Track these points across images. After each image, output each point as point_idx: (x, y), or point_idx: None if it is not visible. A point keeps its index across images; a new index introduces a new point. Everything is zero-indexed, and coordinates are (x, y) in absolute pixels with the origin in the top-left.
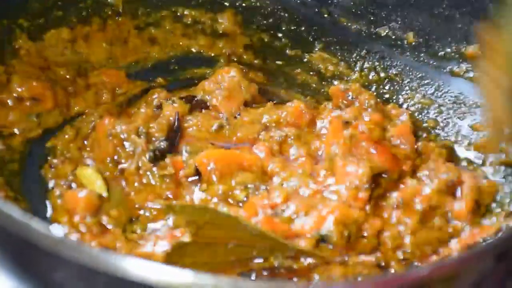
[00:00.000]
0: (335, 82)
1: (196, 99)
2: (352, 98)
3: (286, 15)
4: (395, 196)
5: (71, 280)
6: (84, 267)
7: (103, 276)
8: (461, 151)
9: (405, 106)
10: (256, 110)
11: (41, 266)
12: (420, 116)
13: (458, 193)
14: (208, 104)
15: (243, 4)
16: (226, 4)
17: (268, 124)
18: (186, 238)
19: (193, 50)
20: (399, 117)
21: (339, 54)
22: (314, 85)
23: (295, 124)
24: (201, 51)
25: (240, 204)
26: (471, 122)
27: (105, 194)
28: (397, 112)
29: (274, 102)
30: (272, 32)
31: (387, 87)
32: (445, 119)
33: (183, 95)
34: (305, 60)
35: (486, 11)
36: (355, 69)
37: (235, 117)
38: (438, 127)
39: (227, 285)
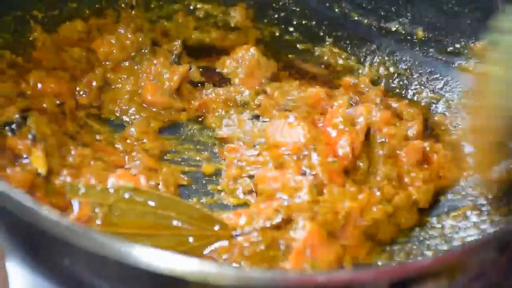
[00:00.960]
0: (345, 76)
1: (217, 70)
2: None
3: (297, 9)
4: None
5: (80, 266)
6: (93, 254)
7: (111, 262)
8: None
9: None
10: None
11: (51, 253)
12: (428, 110)
13: None
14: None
15: None
16: None
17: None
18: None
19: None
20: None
21: (349, 48)
22: (324, 79)
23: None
24: (213, 44)
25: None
26: None
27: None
28: (406, 110)
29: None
30: (283, 26)
31: (396, 82)
32: (453, 113)
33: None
34: (316, 54)
35: (494, 7)
36: (365, 64)
37: (264, 92)
38: (446, 122)
39: (231, 273)
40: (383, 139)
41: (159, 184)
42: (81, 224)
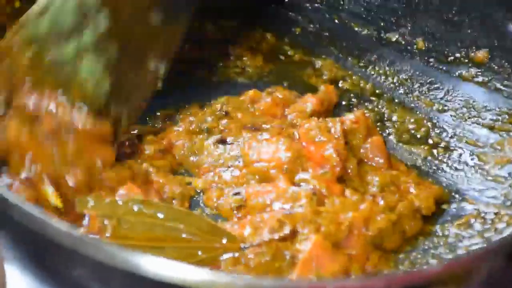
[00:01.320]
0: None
1: None
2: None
3: (299, 18)
4: None
5: (89, 276)
6: (102, 264)
7: (120, 273)
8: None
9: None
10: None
11: (59, 263)
12: (430, 120)
13: None
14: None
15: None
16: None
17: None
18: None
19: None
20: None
21: (349, 59)
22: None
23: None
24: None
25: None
26: (480, 125)
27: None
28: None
29: None
30: (282, 36)
31: (397, 92)
32: (454, 122)
33: None
34: (315, 64)
35: (494, 17)
36: (366, 74)
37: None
38: (448, 131)
39: (241, 283)
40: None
41: (168, 196)
42: (91, 235)
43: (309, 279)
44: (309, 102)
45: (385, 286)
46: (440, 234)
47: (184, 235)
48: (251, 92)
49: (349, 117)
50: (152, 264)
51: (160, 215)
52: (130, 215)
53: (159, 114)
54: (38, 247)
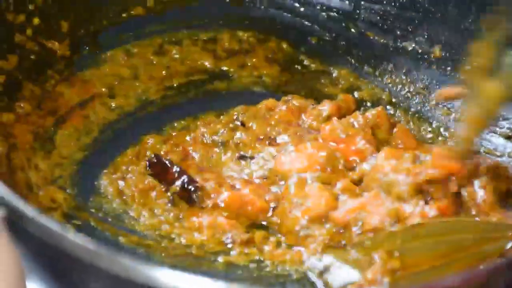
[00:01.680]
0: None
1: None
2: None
3: (315, 27)
4: None
5: None
6: (118, 277)
7: (136, 286)
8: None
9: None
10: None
11: (77, 277)
12: (447, 129)
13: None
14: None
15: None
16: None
17: None
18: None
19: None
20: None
21: (366, 67)
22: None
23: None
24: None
25: None
26: (497, 134)
27: None
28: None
29: None
30: (299, 45)
31: (414, 101)
32: None
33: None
34: (331, 73)
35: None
36: (383, 83)
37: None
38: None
39: None
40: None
41: None
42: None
43: None
44: (326, 107)
45: None
46: None
47: (465, 242)
48: (267, 101)
49: (371, 112)
50: (168, 277)
51: (436, 231)
52: (409, 242)
53: (176, 124)
54: (56, 260)
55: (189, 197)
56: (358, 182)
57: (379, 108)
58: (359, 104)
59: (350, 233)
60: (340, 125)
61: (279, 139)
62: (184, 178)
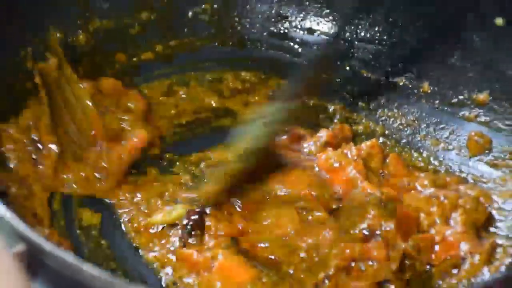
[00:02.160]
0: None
1: None
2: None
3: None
4: None
5: None
6: None
7: None
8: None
9: (422, 150)
10: None
11: None
12: (436, 158)
13: None
14: None
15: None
16: None
17: None
18: None
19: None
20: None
21: (360, 102)
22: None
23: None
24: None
25: None
26: (484, 162)
27: None
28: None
29: None
30: None
31: (405, 132)
32: (460, 160)
33: None
34: (328, 108)
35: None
36: (376, 116)
37: None
38: (454, 168)
39: None
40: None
41: None
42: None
43: None
44: (323, 134)
45: None
46: None
47: None
48: None
49: (365, 143)
50: None
51: None
52: None
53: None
54: None
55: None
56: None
57: (373, 140)
58: (354, 137)
59: None
60: (334, 155)
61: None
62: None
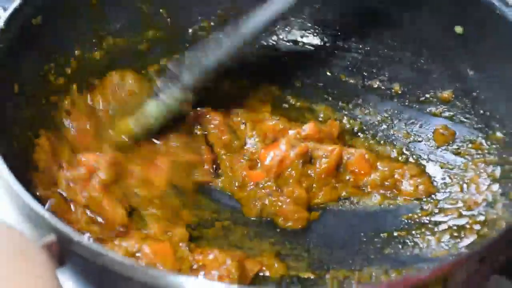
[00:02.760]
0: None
1: None
2: None
3: (298, 73)
4: None
5: None
6: (151, 286)
7: None
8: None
9: (395, 142)
10: None
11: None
12: (408, 149)
13: None
14: None
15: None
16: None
17: None
18: None
19: None
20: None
21: (340, 103)
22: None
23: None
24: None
25: None
26: (449, 151)
27: None
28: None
29: None
30: (286, 88)
31: (380, 127)
32: (428, 150)
33: None
34: (312, 108)
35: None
36: (355, 115)
37: None
38: (424, 157)
39: None
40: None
41: None
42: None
43: None
44: (306, 128)
45: None
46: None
47: None
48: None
49: (353, 155)
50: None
51: None
52: None
53: None
54: (99, 275)
55: None
56: None
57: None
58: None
59: None
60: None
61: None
62: None
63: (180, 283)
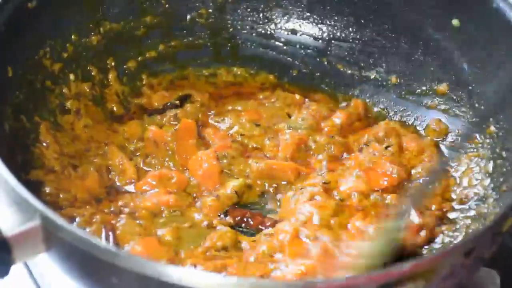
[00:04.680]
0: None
1: None
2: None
3: (296, 62)
4: None
5: (126, 283)
6: (136, 273)
7: (149, 280)
8: None
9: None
10: None
11: (102, 273)
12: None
13: None
14: None
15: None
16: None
17: None
18: None
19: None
20: None
21: (336, 93)
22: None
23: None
24: None
25: None
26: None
27: None
28: None
29: None
30: (283, 77)
31: (376, 119)
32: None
33: None
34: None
35: (451, 57)
36: (350, 105)
37: None
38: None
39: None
40: None
41: None
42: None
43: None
44: (338, 118)
45: (367, 283)
46: None
47: None
48: None
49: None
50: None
51: None
52: None
53: None
54: (83, 260)
55: None
56: None
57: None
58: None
59: None
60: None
61: None
62: None
63: (165, 270)
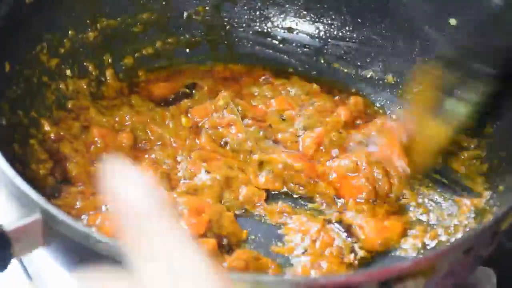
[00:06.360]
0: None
1: None
2: None
3: (292, 60)
4: None
5: None
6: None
7: None
8: None
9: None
10: None
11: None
12: None
13: None
14: None
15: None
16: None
17: None
18: None
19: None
20: None
21: (333, 92)
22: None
23: None
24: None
25: None
26: None
27: None
28: None
29: None
30: (279, 75)
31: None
32: None
33: None
34: None
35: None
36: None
37: None
38: None
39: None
40: None
41: None
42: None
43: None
44: (342, 114)
45: (368, 280)
46: None
47: None
48: None
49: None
50: None
51: None
52: None
53: None
54: (81, 253)
55: None
56: None
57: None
58: None
59: None
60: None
61: None
62: None
63: None
